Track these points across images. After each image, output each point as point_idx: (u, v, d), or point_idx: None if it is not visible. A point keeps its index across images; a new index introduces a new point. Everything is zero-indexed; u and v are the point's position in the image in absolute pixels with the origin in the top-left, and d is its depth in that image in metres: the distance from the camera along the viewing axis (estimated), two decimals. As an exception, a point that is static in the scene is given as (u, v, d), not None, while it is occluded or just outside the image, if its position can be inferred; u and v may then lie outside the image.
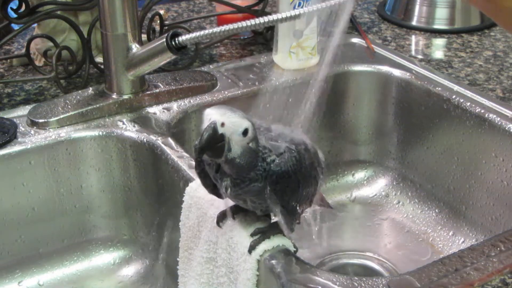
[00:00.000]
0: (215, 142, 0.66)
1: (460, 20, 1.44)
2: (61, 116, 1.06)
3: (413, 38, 1.42)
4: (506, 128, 1.06)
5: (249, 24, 0.88)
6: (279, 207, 0.73)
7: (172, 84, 1.15)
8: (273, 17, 0.87)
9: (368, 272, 1.12)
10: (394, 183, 1.28)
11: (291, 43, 1.21)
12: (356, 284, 0.72)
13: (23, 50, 1.23)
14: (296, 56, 1.23)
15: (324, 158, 0.78)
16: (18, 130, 1.04)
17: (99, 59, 1.23)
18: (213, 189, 0.76)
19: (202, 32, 0.94)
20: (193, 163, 0.95)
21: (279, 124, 0.76)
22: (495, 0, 0.78)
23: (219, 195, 0.77)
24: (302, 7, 1.19)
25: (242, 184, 0.70)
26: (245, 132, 0.67)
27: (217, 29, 0.92)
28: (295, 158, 0.71)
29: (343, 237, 1.19)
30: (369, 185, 1.30)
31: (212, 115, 0.66)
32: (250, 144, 0.68)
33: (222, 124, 0.66)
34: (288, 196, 0.72)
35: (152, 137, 1.03)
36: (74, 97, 1.11)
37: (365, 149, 1.32)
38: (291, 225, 0.77)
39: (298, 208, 0.75)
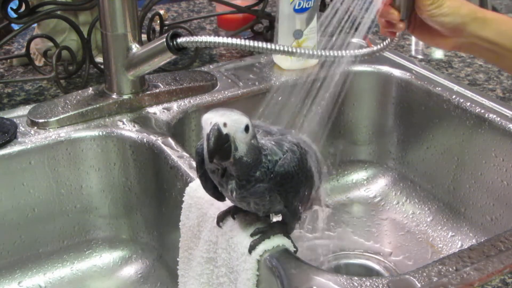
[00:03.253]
0: (222, 143, 0.66)
1: (460, 20, 1.43)
2: (61, 116, 1.06)
3: (413, 38, 1.42)
4: (506, 128, 1.06)
5: (251, 44, 0.89)
6: (282, 208, 0.73)
7: (172, 84, 1.15)
8: (272, 46, 0.89)
9: (368, 272, 1.12)
10: (394, 183, 1.28)
11: (291, 43, 1.21)
12: (356, 284, 0.72)
13: (23, 50, 1.23)
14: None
15: (322, 157, 0.78)
16: (18, 130, 1.04)
17: (99, 59, 1.23)
18: (214, 192, 0.76)
19: (201, 39, 0.94)
20: (193, 163, 0.95)
21: (279, 126, 0.77)
22: (496, 48, 0.83)
23: (220, 198, 0.77)
24: (301, 7, 1.19)
25: (248, 185, 0.70)
26: (246, 128, 0.67)
27: (217, 40, 0.93)
28: (297, 159, 0.71)
29: (343, 237, 1.19)
30: (369, 185, 1.30)
31: (212, 118, 0.66)
32: (253, 141, 0.68)
33: (225, 124, 0.66)
34: (291, 196, 0.72)
35: (152, 137, 1.03)
36: (74, 97, 1.11)
37: (365, 149, 1.32)
38: (292, 225, 0.77)
39: (300, 208, 0.75)
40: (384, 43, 0.89)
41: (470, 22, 0.82)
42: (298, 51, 0.89)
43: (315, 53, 0.89)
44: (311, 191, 0.76)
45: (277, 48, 0.89)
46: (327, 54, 0.87)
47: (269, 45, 0.89)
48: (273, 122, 0.79)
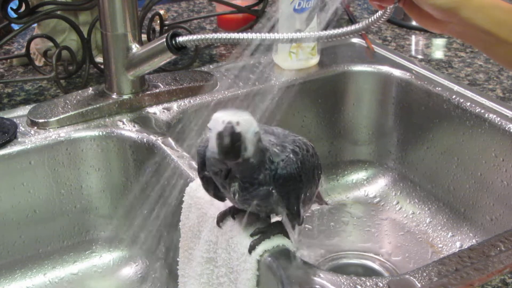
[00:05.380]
0: (235, 142, 0.66)
1: (460, 20, 1.43)
2: (61, 116, 1.06)
3: (413, 38, 1.42)
4: (506, 128, 1.06)
5: (251, 37, 0.88)
6: (284, 209, 0.73)
7: (172, 84, 1.15)
8: (275, 36, 0.88)
9: (368, 272, 1.12)
10: (394, 183, 1.28)
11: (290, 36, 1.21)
12: (356, 284, 0.72)
13: (23, 50, 1.23)
14: (296, 56, 1.23)
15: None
16: (18, 130, 1.04)
17: (99, 59, 1.23)
18: (215, 193, 0.76)
19: (202, 36, 0.94)
20: (193, 163, 0.95)
21: (279, 127, 0.77)
22: (490, 38, 0.77)
23: (220, 198, 0.77)
24: (302, 7, 1.19)
25: (251, 188, 0.70)
26: (256, 130, 0.67)
27: (217, 36, 0.92)
28: (299, 160, 0.71)
29: (343, 237, 1.19)
30: (369, 185, 1.30)
31: (225, 117, 0.66)
32: (259, 144, 0.68)
33: (237, 123, 0.66)
34: (293, 198, 0.72)
35: (152, 137, 1.03)
36: (74, 97, 1.11)
37: (365, 149, 1.32)
38: (294, 226, 0.77)
39: (302, 209, 0.75)
40: (377, 15, 0.84)
41: (464, 7, 0.75)
42: (296, 37, 0.88)
43: (312, 35, 0.88)
44: (312, 191, 0.76)
45: (276, 37, 0.88)
46: (324, 34, 0.85)
47: (268, 36, 0.89)
48: (274, 123, 0.79)
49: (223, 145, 0.65)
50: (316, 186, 0.77)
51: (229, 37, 0.91)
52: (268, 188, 0.70)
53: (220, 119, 0.66)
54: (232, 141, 0.65)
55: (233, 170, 0.69)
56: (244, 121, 0.66)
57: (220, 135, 0.65)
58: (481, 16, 0.76)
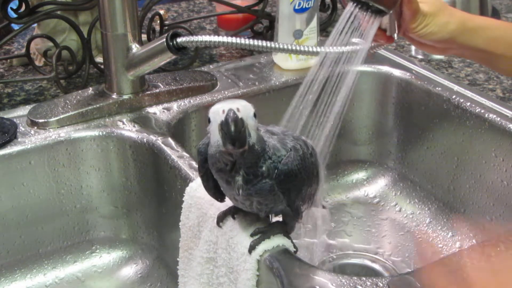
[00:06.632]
0: (240, 128, 0.65)
1: (460, 20, 1.43)
2: (61, 116, 1.06)
3: (413, 38, 1.42)
4: (506, 128, 1.06)
5: (251, 43, 0.89)
6: (284, 207, 0.73)
7: (172, 84, 1.15)
8: (270, 44, 0.89)
9: (368, 272, 1.12)
10: (394, 183, 1.28)
11: (291, 43, 1.21)
12: (356, 284, 0.72)
13: (23, 50, 1.23)
14: (296, 56, 1.23)
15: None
16: (18, 130, 1.04)
17: (99, 59, 1.23)
18: (215, 192, 0.76)
19: (201, 38, 0.94)
20: (193, 163, 0.95)
21: (278, 125, 0.77)
22: (487, 55, 0.84)
23: (220, 198, 0.77)
24: (301, 7, 1.19)
25: (255, 180, 0.69)
26: (255, 115, 0.67)
27: (217, 39, 0.93)
28: (300, 157, 0.71)
29: (343, 237, 1.19)
30: (369, 185, 1.30)
31: (224, 106, 0.66)
32: (258, 130, 0.68)
33: (238, 110, 0.66)
34: (294, 195, 0.72)
35: (152, 137, 1.03)
36: (74, 97, 1.11)
37: (365, 149, 1.32)
38: (292, 225, 0.77)
39: (301, 207, 0.75)
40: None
41: (459, 35, 0.82)
42: (297, 48, 0.89)
43: (313, 49, 0.89)
44: (313, 190, 0.76)
45: (276, 46, 0.89)
46: (326, 50, 0.87)
47: (268, 44, 0.89)
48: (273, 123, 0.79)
49: (229, 133, 0.65)
50: (316, 183, 0.77)
51: (229, 41, 0.92)
52: (271, 182, 0.70)
53: (220, 110, 0.66)
54: (237, 127, 0.65)
55: (238, 162, 0.69)
56: (243, 107, 0.66)
57: (223, 124, 0.65)
58: (477, 37, 0.83)
